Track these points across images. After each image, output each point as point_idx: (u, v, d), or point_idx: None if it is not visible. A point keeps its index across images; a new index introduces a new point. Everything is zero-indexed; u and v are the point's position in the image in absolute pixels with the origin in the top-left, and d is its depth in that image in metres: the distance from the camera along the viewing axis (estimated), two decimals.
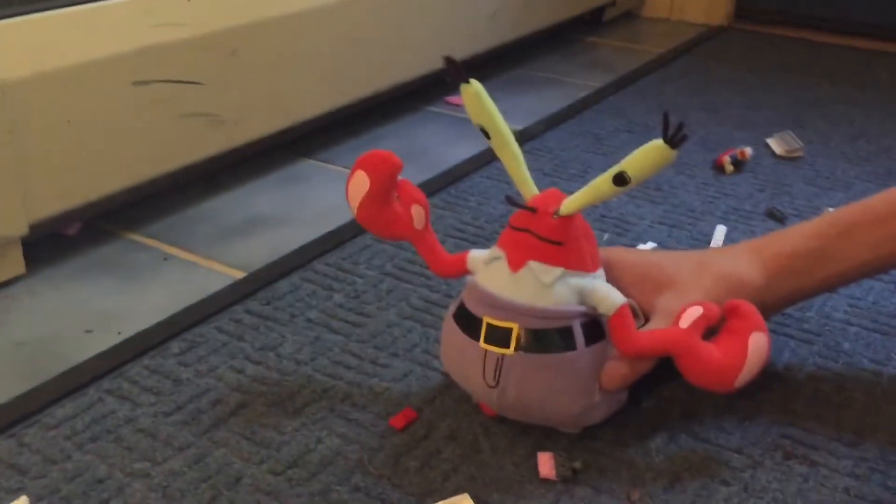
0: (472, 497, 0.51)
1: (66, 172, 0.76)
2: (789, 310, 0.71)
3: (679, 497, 0.52)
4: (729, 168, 0.98)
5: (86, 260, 0.80)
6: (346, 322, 0.69)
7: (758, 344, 0.54)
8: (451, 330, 0.56)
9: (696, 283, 0.58)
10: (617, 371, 0.54)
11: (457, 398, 0.61)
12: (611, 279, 0.57)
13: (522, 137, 1.07)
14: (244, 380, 0.62)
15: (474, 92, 0.54)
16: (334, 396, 0.61)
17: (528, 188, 0.55)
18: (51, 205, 0.76)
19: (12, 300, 0.73)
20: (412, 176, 0.97)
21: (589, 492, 0.53)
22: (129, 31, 0.79)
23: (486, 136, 0.55)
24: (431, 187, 0.94)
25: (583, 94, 1.25)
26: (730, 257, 0.62)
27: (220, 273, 0.79)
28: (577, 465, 0.54)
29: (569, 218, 0.53)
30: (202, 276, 0.78)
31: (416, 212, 0.59)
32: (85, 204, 0.79)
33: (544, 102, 1.22)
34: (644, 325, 0.58)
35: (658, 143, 0.48)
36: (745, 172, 0.98)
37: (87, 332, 0.69)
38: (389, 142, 1.08)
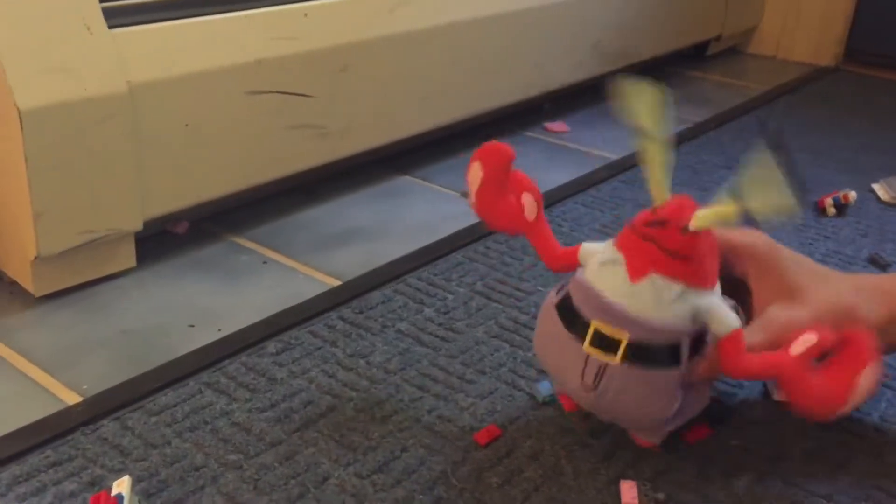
0: None
1: (180, 173, 0.80)
2: (890, 359, 0.69)
3: None
4: (831, 210, 0.96)
5: (191, 258, 0.84)
6: (436, 336, 0.71)
7: (868, 377, 0.52)
8: (551, 320, 0.56)
9: (812, 306, 0.56)
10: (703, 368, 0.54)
11: (541, 420, 0.61)
12: (735, 263, 0.56)
13: (620, 167, 1.08)
14: (335, 384, 0.64)
15: (657, 97, 0.53)
16: (421, 408, 0.62)
17: (662, 194, 0.53)
18: (164, 203, 0.79)
19: (122, 291, 0.77)
20: None
21: None
22: (248, 43, 0.82)
23: (644, 137, 0.53)
24: None
25: (682, 127, 1.25)
26: (852, 288, 0.59)
27: (316, 280, 0.81)
28: (661, 496, 0.54)
29: (697, 233, 0.51)
30: (299, 282, 0.81)
31: (527, 201, 0.58)
32: (195, 204, 0.82)
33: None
34: (745, 323, 0.57)
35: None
36: (847, 216, 0.96)
37: (190, 326, 0.73)
38: None
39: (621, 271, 0.52)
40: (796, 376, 0.52)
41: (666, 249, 0.51)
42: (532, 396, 0.63)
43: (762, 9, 1.63)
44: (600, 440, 0.59)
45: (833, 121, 1.29)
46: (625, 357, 0.52)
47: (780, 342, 0.54)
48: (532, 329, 0.72)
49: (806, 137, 1.21)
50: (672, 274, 0.51)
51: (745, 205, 0.49)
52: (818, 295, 0.58)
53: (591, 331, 0.53)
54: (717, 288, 0.55)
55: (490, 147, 0.58)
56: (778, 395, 0.63)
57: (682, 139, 1.19)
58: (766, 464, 0.58)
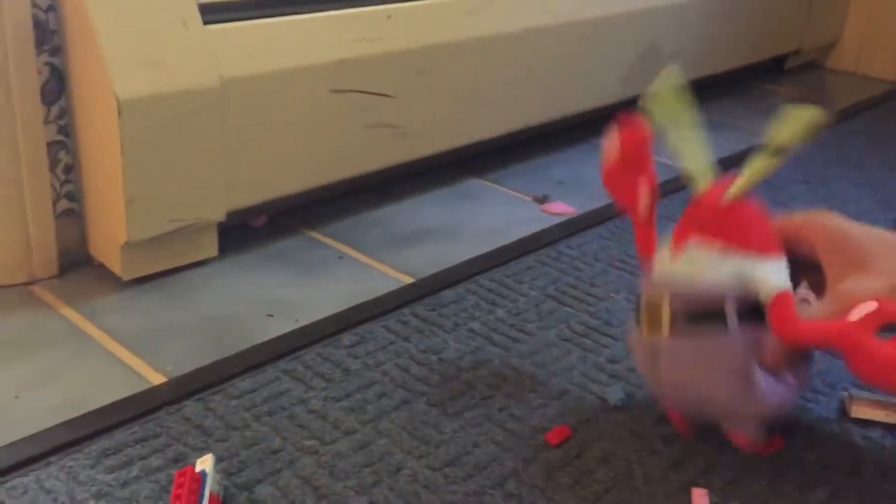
0: None
1: (263, 167, 0.82)
2: None
3: None
4: None
5: (269, 251, 0.86)
6: (507, 336, 0.71)
7: None
8: (632, 328, 0.58)
9: (887, 274, 0.54)
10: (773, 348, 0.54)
11: (612, 423, 0.61)
12: (810, 244, 0.57)
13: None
14: (408, 378, 0.65)
15: (670, 85, 0.57)
16: (492, 405, 0.63)
17: (702, 179, 0.56)
18: (247, 195, 0.82)
19: (205, 279, 0.80)
20: (577, 203, 0.99)
21: None
22: (332, 42, 0.85)
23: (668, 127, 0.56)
24: (596, 217, 0.95)
25: (758, 140, 1.23)
26: None
27: (389, 276, 0.83)
28: None
29: (734, 202, 0.53)
30: (373, 278, 0.82)
31: (643, 195, 0.60)
32: (276, 198, 0.85)
33: (716, 146, 1.20)
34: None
35: (805, 109, 0.50)
36: None
37: (269, 315, 0.75)
38: (556, 169, 1.10)
39: (666, 252, 0.56)
40: (856, 343, 0.49)
41: (699, 218, 0.54)
42: (603, 400, 0.64)
43: (843, 23, 1.60)
44: (671, 447, 0.59)
45: None
46: (672, 330, 0.53)
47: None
48: (603, 334, 0.72)
49: (887, 153, 1.19)
50: (707, 237, 0.53)
51: (772, 141, 0.52)
52: (892, 264, 0.55)
53: (642, 309, 0.55)
54: (780, 263, 0.54)
55: (631, 122, 0.60)
56: (854, 413, 0.62)
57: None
58: (841, 478, 0.57)
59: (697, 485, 0.56)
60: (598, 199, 1.00)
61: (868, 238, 0.58)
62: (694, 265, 0.53)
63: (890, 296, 0.52)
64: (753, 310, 0.53)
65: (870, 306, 0.50)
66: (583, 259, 0.85)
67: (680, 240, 0.55)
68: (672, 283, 0.54)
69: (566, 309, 0.76)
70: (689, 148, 0.56)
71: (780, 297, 0.52)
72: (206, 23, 0.75)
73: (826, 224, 0.58)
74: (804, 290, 0.60)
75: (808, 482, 0.56)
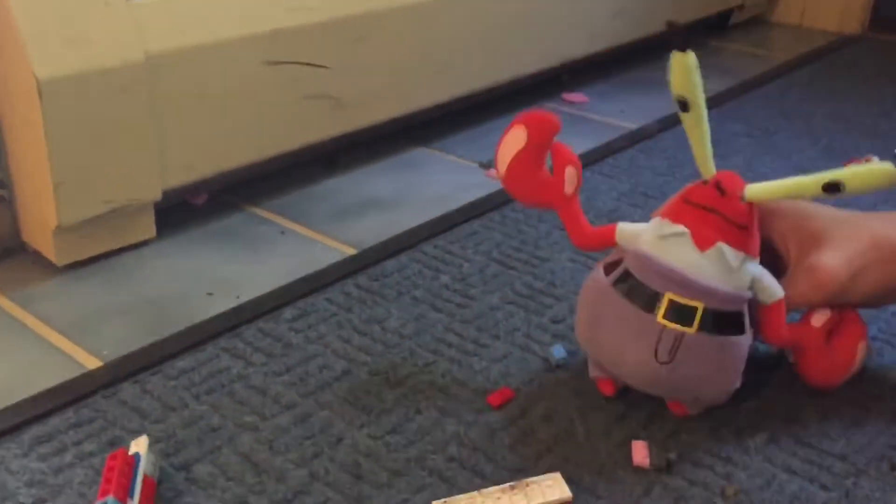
0: (564, 477, 0.52)
1: (198, 143, 0.80)
2: None
3: (776, 497, 0.52)
4: None
5: (210, 228, 0.85)
6: (451, 302, 0.71)
7: (862, 352, 0.59)
8: (607, 300, 0.55)
9: (848, 246, 0.57)
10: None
11: (554, 382, 0.61)
12: (765, 225, 0.58)
13: (638, 137, 1.07)
14: (350, 349, 0.65)
15: (689, 64, 0.52)
16: (435, 371, 0.63)
17: (709, 168, 0.55)
18: (183, 174, 0.80)
19: (142, 260, 0.79)
20: None
21: (682, 483, 0.53)
22: (265, 13, 0.83)
23: (683, 108, 0.53)
24: None
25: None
26: (890, 223, 0.59)
27: (334, 249, 0.82)
28: (672, 455, 0.54)
29: (753, 206, 0.54)
30: (316, 251, 0.81)
31: (570, 174, 0.57)
32: (213, 175, 0.83)
33: (663, 103, 1.20)
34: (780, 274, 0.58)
35: (889, 167, 0.49)
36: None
37: (209, 294, 0.74)
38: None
39: (688, 242, 0.53)
40: (817, 347, 0.57)
41: (729, 219, 0.53)
42: (545, 360, 0.64)
43: None
44: (613, 402, 0.59)
45: (857, 88, 1.27)
46: (700, 325, 0.53)
47: (814, 293, 0.57)
48: (548, 294, 0.72)
49: (830, 105, 1.20)
50: (736, 243, 0.53)
51: (831, 178, 0.50)
52: (851, 237, 0.57)
53: (665, 302, 0.53)
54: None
55: (538, 114, 0.56)
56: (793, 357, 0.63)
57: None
58: (780, 424, 0.58)
59: (638, 437, 0.56)
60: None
61: (828, 215, 0.60)
62: (725, 267, 0.53)
63: (847, 270, 0.56)
64: (752, 307, 0.55)
65: (825, 313, 0.57)
66: (527, 222, 0.85)
67: (705, 234, 0.53)
68: (706, 286, 0.52)
69: (510, 272, 0.76)
70: (699, 131, 0.54)
71: (780, 303, 0.55)
72: None
73: (783, 207, 0.60)
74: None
75: (747, 428, 0.57)
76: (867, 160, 0.96)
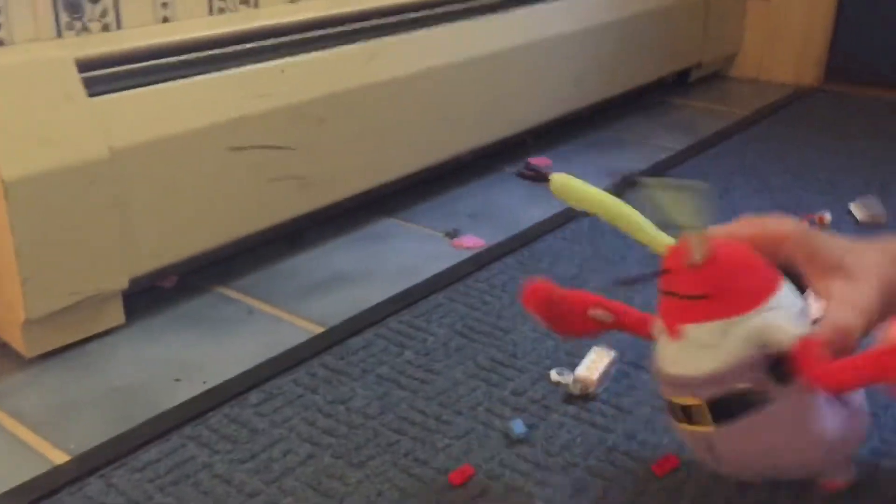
0: None
1: (164, 232, 0.82)
2: None
3: None
4: None
5: (179, 311, 0.86)
6: (415, 378, 0.73)
7: None
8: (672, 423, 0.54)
9: (875, 268, 0.54)
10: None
11: (514, 457, 0.63)
12: (783, 256, 0.52)
13: None
14: (314, 432, 0.66)
15: (560, 184, 0.52)
16: (398, 451, 0.64)
17: (662, 245, 0.52)
18: (150, 261, 0.82)
19: (111, 348, 0.80)
20: (488, 235, 1.01)
21: None
22: (227, 102, 0.85)
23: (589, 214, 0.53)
24: (505, 248, 0.97)
25: (663, 155, 1.27)
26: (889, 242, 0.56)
27: (300, 327, 0.83)
28: None
29: (708, 263, 0.47)
30: (284, 330, 0.83)
31: (597, 314, 0.56)
32: (180, 260, 0.85)
33: (625, 164, 1.24)
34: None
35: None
36: None
37: (176, 380, 0.75)
38: (467, 202, 1.12)
39: (666, 337, 0.50)
40: None
41: (683, 295, 0.48)
42: (506, 434, 0.65)
43: (741, 34, 1.66)
44: (571, 475, 0.60)
45: (813, 141, 1.31)
46: (715, 420, 0.49)
47: (872, 318, 0.51)
48: (509, 367, 0.74)
49: (787, 160, 1.23)
50: (701, 317, 0.48)
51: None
52: (878, 258, 0.54)
53: (675, 409, 0.50)
54: (779, 296, 0.49)
55: (530, 291, 0.57)
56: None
57: (662, 168, 1.21)
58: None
59: None
60: (508, 228, 1.03)
61: (844, 243, 0.56)
62: (701, 349, 0.48)
63: (876, 292, 0.51)
64: (784, 360, 0.48)
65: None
66: (491, 292, 0.87)
67: (672, 323, 0.49)
68: (690, 378, 0.48)
69: (474, 345, 0.78)
70: (625, 221, 0.53)
71: (802, 344, 0.47)
72: (91, 95, 0.76)
73: (799, 238, 0.55)
74: (812, 300, 0.55)
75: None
76: (820, 218, 0.99)
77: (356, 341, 0.78)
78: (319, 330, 0.82)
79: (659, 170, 1.20)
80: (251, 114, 0.87)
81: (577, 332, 0.58)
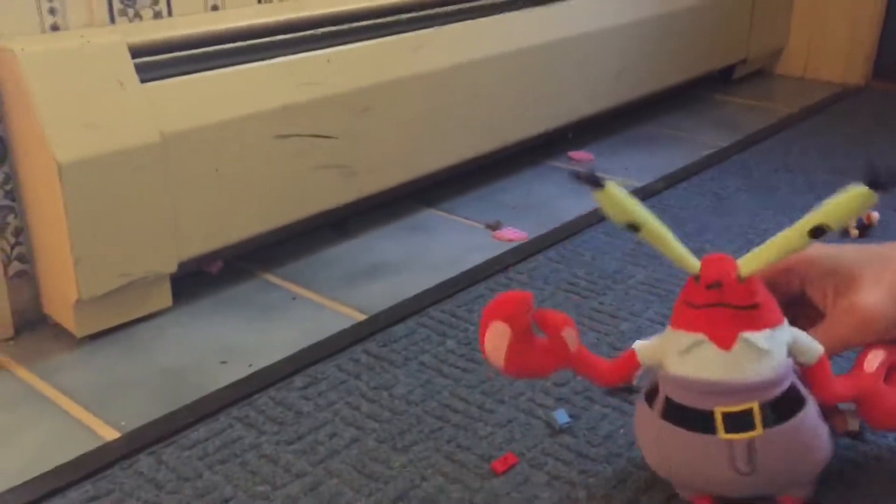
0: None
1: (212, 216, 0.84)
2: None
3: None
4: (854, 232, 0.96)
5: (225, 296, 0.88)
6: (457, 367, 0.73)
7: None
8: (665, 431, 0.54)
9: (883, 281, 0.56)
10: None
11: (557, 446, 0.63)
12: (797, 277, 0.58)
13: (642, 194, 1.09)
14: (359, 416, 0.67)
15: (612, 195, 0.50)
16: (441, 437, 0.64)
17: (691, 264, 0.53)
18: (197, 245, 0.83)
19: (159, 330, 0.81)
20: (529, 228, 1.01)
21: None
22: (274, 90, 0.86)
23: (634, 230, 0.52)
24: (548, 240, 0.97)
25: (707, 152, 1.26)
26: None
27: (343, 314, 0.84)
28: None
29: (754, 277, 0.51)
30: (327, 317, 0.84)
31: (569, 335, 0.55)
32: (227, 245, 0.86)
33: (667, 160, 1.23)
34: (818, 323, 0.57)
35: (861, 188, 0.47)
36: (871, 237, 0.96)
37: (222, 363, 0.76)
38: (509, 195, 1.12)
39: (711, 348, 0.51)
40: (873, 393, 0.54)
41: (738, 306, 0.51)
42: (548, 424, 0.65)
43: (788, 30, 1.64)
44: (614, 466, 0.61)
45: (860, 140, 1.29)
46: (764, 423, 0.51)
47: (856, 333, 0.55)
48: None
49: (833, 158, 1.21)
50: (755, 325, 0.51)
51: (811, 223, 0.49)
52: (885, 271, 0.56)
53: (718, 418, 0.51)
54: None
55: (507, 301, 0.54)
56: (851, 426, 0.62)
57: (707, 164, 1.20)
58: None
59: (638, 502, 0.57)
60: (549, 222, 1.02)
61: (854, 256, 0.59)
62: (757, 354, 0.51)
63: (887, 304, 0.55)
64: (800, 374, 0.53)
65: (879, 355, 0.55)
66: (532, 284, 0.87)
67: (723, 331, 0.51)
68: (750, 384, 0.51)
69: None
70: (661, 238, 0.52)
71: (822, 361, 0.53)
72: (143, 81, 0.77)
73: (812, 252, 0.59)
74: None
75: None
76: (868, 216, 0.98)
77: (398, 329, 0.79)
78: (362, 317, 0.83)
79: (702, 166, 1.19)
80: (297, 102, 0.88)
81: (538, 361, 0.55)
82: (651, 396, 0.55)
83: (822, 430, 0.54)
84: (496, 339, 0.54)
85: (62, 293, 0.77)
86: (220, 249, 0.86)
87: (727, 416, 0.51)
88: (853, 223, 0.97)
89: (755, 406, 0.51)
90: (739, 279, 0.51)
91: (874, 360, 0.54)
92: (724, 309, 0.51)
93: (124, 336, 0.80)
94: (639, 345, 0.55)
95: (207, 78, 0.82)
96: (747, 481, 0.52)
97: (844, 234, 0.97)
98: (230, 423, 0.66)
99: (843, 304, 0.56)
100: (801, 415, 0.52)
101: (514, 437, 0.64)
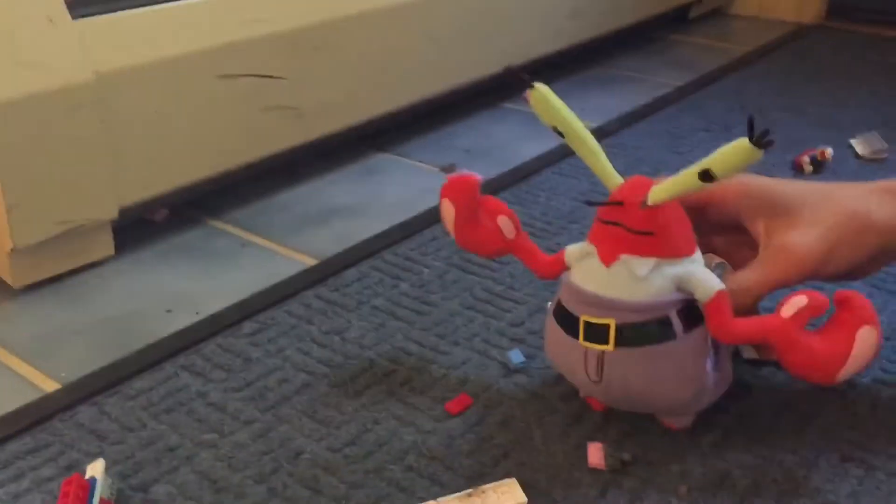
0: (521, 482, 0.53)
1: (154, 161, 0.80)
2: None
3: (728, 494, 0.52)
4: (808, 168, 0.96)
5: (170, 244, 0.85)
6: (410, 310, 0.72)
7: (866, 338, 0.52)
8: (552, 328, 0.57)
9: (819, 221, 0.56)
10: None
11: (512, 387, 0.62)
12: (732, 206, 0.58)
13: (598, 135, 1.06)
14: (310, 361, 0.65)
15: (541, 96, 0.53)
16: (394, 381, 0.63)
17: (612, 180, 0.54)
18: (139, 191, 0.80)
19: (101, 279, 0.78)
20: (484, 171, 0.99)
21: (637, 483, 0.53)
22: (217, 27, 0.83)
23: (560, 135, 0.54)
24: (502, 182, 0.95)
25: (662, 92, 1.24)
26: (859, 194, 0.58)
27: (295, 260, 0.82)
28: (627, 456, 0.55)
29: (657, 207, 0.52)
30: (277, 263, 0.81)
31: (504, 223, 0.60)
32: (171, 191, 0.83)
33: (623, 100, 1.22)
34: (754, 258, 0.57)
35: (745, 142, 0.47)
36: (825, 173, 0.96)
37: (168, 311, 0.73)
38: (464, 138, 1.10)
39: (595, 261, 0.53)
40: (788, 339, 0.51)
41: (630, 229, 0.52)
42: (504, 364, 0.64)
43: None
44: (569, 404, 0.60)
45: (813, 78, 1.29)
46: (616, 341, 0.52)
47: (788, 273, 0.55)
48: (506, 299, 0.73)
49: (787, 97, 1.21)
50: (641, 251, 0.52)
51: (702, 166, 0.48)
52: (822, 211, 0.56)
53: (581, 325, 0.53)
54: (698, 254, 0.55)
55: (454, 181, 0.60)
56: (747, 354, 0.63)
57: (662, 104, 1.19)
58: (734, 420, 0.58)
59: (595, 439, 0.57)
60: (504, 164, 1.01)
61: (797, 191, 0.59)
62: (631, 278, 0.52)
63: (822, 246, 0.55)
64: (690, 308, 0.53)
65: (801, 301, 0.51)
66: None
67: (610, 250, 0.53)
68: (613, 301, 0.52)
69: (470, 277, 0.76)
70: (587, 149, 0.54)
71: (717, 298, 0.52)
72: (75, 17, 0.73)
73: (750, 183, 0.59)
74: (715, 258, 0.62)
75: (700, 426, 0.58)
76: (822, 153, 0.98)
77: (351, 273, 0.77)
78: (313, 263, 0.81)
79: (658, 106, 1.18)
80: (242, 40, 0.84)
81: (479, 237, 0.61)
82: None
83: (691, 370, 0.53)
84: (445, 214, 0.61)
85: None
86: (163, 195, 0.83)
87: (588, 326, 0.53)
88: (808, 159, 0.97)
89: (612, 323, 0.52)
90: (642, 205, 0.51)
91: (792, 306, 0.51)
92: (618, 228, 0.53)
93: (64, 286, 0.77)
94: (569, 248, 0.57)
95: (145, 14, 0.78)
96: (600, 389, 0.55)
97: (799, 171, 0.97)
98: (175, 371, 0.64)
99: (776, 243, 0.56)
100: (662, 346, 0.52)
101: (469, 378, 0.63)
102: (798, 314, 0.51)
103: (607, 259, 0.53)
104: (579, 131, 0.54)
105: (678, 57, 1.42)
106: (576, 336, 0.54)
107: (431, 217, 0.87)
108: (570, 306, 0.55)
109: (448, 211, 0.61)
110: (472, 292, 0.74)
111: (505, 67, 0.52)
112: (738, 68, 1.33)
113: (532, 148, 1.05)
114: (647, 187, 0.52)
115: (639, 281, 0.52)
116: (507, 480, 0.52)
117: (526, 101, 0.55)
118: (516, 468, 0.54)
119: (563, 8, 1.24)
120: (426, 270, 0.78)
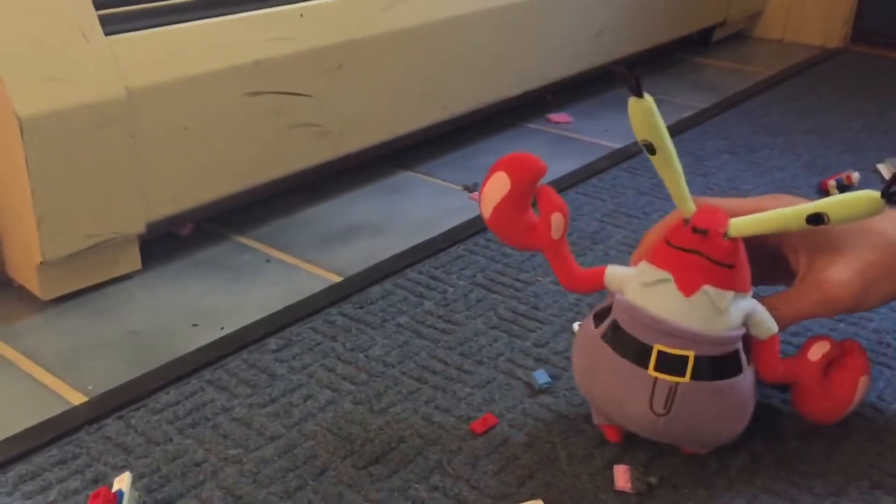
0: (546, 503, 0.52)
1: (181, 176, 0.81)
2: (889, 339, 0.69)
3: None
4: (834, 192, 0.96)
5: (195, 259, 0.85)
6: (435, 329, 0.71)
7: (864, 387, 0.57)
8: (600, 353, 0.54)
9: (858, 257, 0.55)
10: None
11: (537, 407, 0.62)
12: (775, 235, 0.57)
13: (621, 156, 1.08)
14: (334, 378, 0.65)
15: (646, 108, 0.50)
16: (418, 399, 0.63)
17: (688, 207, 0.53)
18: (166, 206, 0.81)
19: (128, 293, 0.79)
20: None
21: None
22: (245, 45, 0.84)
23: (650, 151, 0.52)
24: None
25: (686, 114, 1.24)
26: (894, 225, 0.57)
27: (319, 276, 0.82)
28: (654, 480, 0.54)
29: (738, 240, 0.52)
30: (301, 279, 0.82)
31: (556, 220, 0.55)
32: (197, 206, 0.84)
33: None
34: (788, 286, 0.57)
35: (874, 195, 0.47)
36: None
37: (194, 325, 0.74)
38: (487, 157, 1.10)
39: (672, 289, 0.52)
40: (814, 381, 0.55)
41: (712, 260, 0.51)
42: (528, 384, 0.64)
43: None
44: (595, 426, 0.59)
45: (839, 102, 1.28)
46: (693, 374, 0.51)
47: (821, 310, 0.55)
48: (531, 318, 0.73)
49: (812, 120, 1.21)
50: (722, 283, 0.51)
51: (815, 209, 0.49)
52: (861, 246, 0.56)
53: (654, 354, 0.52)
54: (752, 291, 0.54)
55: (520, 158, 0.55)
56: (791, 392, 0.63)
57: (686, 125, 1.19)
58: (762, 445, 0.58)
59: (620, 461, 0.56)
60: None
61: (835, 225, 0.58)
62: (712, 310, 0.51)
63: (859, 285, 0.55)
64: (745, 343, 0.54)
65: (824, 346, 0.56)
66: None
67: (689, 277, 0.51)
68: (694, 333, 0.51)
69: (494, 296, 0.76)
70: (671, 169, 0.53)
71: (773, 339, 0.54)
72: (107, 34, 0.74)
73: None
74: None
75: (728, 451, 0.57)
76: (848, 177, 0.97)
77: (375, 291, 0.77)
78: (337, 279, 0.81)
79: (682, 127, 1.18)
80: (269, 58, 0.85)
81: (517, 225, 0.55)
82: (600, 318, 0.56)
83: (748, 404, 0.54)
84: (494, 189, 0.54)
85: (25, 255, 0.74)
86: (189, 210, 0.83)
87: (662, 355, 0.52)
88: (834, 183, 0.96)
89: (691, 355, 0.51)
90: (725, 236, 0.51)
91: (819, 350, 0.55)
92: (699, 257, 0.51)
93: (91, 299, 0.78)
94: (611, 268, 0.56)
95: (175, 31, 0.79)
96: (657, 424, 0.53)
97: (825, 195, 0.96)
98: (201, 385, 0.64)
99: (813, 278, 0.55)
100: (732, 381, 0.52)
101: (494, 398, 0.63)
102: (822, 359, 0.56)
103: (688, 289, 0.51)
104: (670, 151, 0.52)
105: (702, 79, 1.42)
106: (642, 364, 0.52)
107: (455, 235, 0.88)
108: (638, 332, 0.52)
109: (499, 186, 0.54)
110: (496, 311, 0.74)
111: (619, 69, 0.49)
112: (762, 91, 1.33)
113: (555, 168, 1.05)
114: (725, 218, 0.52)
115: (718, 314, 0.51)
116: (533, 502, 0.52)
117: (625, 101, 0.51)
118: (542, 489, 0.54)
119: (589, 29, 1.25)
120: (450, 289, 0.78)
